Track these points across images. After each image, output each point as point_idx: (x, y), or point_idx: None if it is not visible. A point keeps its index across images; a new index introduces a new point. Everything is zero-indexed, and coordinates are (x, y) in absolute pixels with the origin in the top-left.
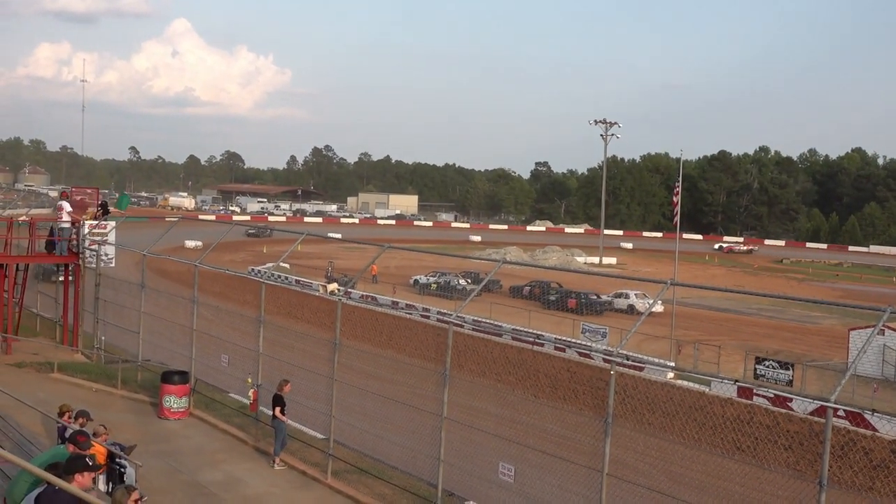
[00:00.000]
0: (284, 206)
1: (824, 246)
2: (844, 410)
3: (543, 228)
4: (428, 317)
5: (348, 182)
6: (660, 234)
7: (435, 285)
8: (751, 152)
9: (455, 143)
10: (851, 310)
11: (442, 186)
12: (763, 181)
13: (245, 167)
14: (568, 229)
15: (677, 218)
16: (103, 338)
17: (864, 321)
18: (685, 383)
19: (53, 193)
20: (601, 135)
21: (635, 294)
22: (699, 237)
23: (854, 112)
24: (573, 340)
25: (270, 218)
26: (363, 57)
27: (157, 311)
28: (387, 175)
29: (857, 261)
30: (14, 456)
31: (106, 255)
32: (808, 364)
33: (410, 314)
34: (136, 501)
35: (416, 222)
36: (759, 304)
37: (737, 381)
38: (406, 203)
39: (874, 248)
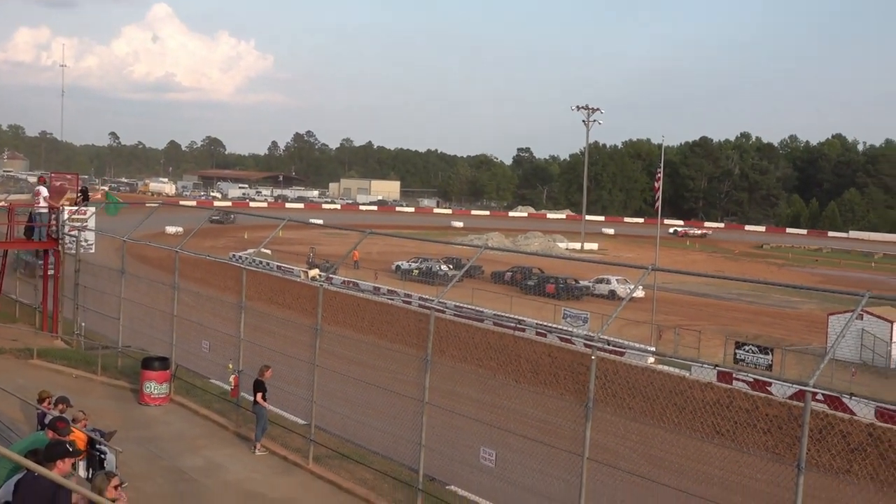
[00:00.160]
0: (266, 191)
1: (804, 231)
2: (823, 394)
3: (525, 214)
4: (410, 302)
5: (330, 168)
6: (641, 220)
7: (417, 271)
8: (732, 138)
9: (437, 129)
10: (830, 295)
11: (424, 172)
12: (744, 167)
13: (226, 153)
14: (550, 215)
15: (658, 203)
16: (83, 324)
17: (842, 306)
18: (666, 368)
19: (32, 179)
20: (583, 121)
21: (616, 279)
22: (680, 222)
23: (835, 99)
24: (554, 326)
25: (252, 204)
26: (345, 42)
27: (138, 297)
28: (369, 161)
29: (836, 246)
30: None
31: (86, 240)
32: (787, 349)
33: (392, 300)
34: (116, 487)
35: (398, 208)
36: (739, 290)
37: (717, 365)
38: (388, 189)
39: (853, 234)
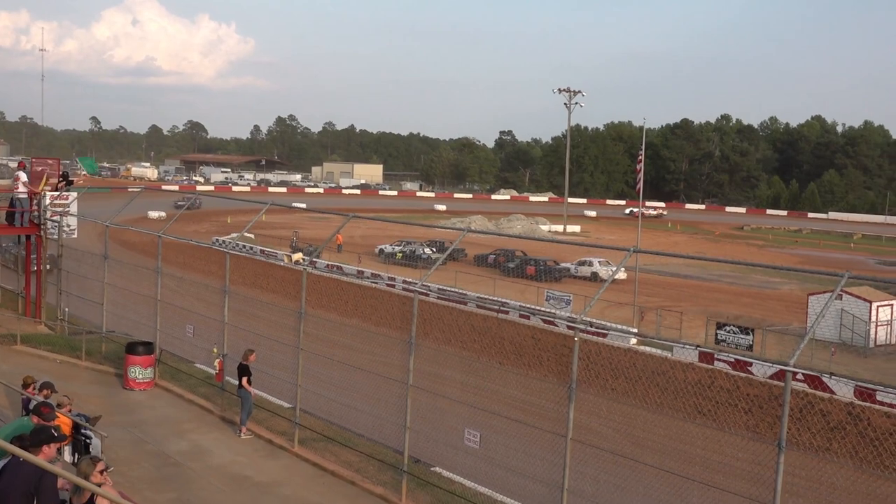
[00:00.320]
0: (248, 175)
1: (784, 213)
2: (803, 374)
3: (508, 197)
4: (393, 286)
5: (312, 152)
6: (623, 202)
7: (400, 254)
8: (713, 120)
9: (419, 113)
10: (810, 275)
11: (406, 156)
12: (724, 149)
13: (208, 137)
14: (532, 198)
15: (640, 185)
16: (66, 309)
17: (822, 286)
18: (648, 349)
19: (13, 164)
20: (565, 103)
21: (599, 261)
22: (661, 204)
23: (814, 81)
24: (538, 308)
25: (235, 188)
26: (327, 26)
27: (121, 282)
28: (351, 144)
29: (816, 227)
30: None
31: (68, 226)
32: (767, 329)
33: (376, 283)
34: (101, 472)
35: (380, 192)
36: (721, 271)
37: (698, 346)
38: (371, 172)
39: (833, 215)
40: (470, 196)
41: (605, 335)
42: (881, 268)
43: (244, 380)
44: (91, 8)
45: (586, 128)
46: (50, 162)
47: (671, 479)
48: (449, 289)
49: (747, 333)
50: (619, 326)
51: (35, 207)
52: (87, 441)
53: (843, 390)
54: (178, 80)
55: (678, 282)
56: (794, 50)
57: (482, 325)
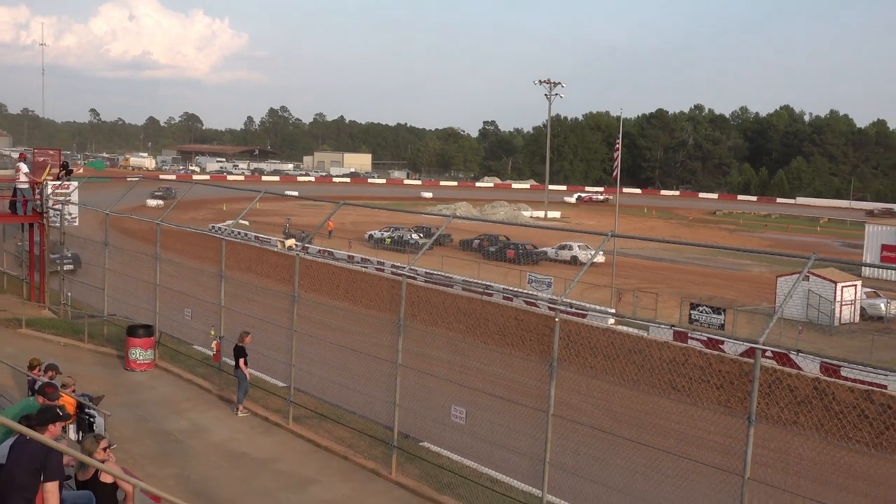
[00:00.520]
0: (242, 165)
1: (754, 198)
2: (772, 351)
3: (491, 184)
4: (382, 270)
5: (304, 142)
6: (601, 189)
7: (389, 240)
8: (686, 110)
9: (407, 104)
10: (779, 258)
11: (394, 145)
12: (698, 138)
13: (203, 128)
14: (515, 185)
15: (617, 173)
16: (69, 294)
17: (790, 268)
18: (625, 328)
19: (15, 155)
20: (545, 94)
21: (578, 245)
22: (638, 191)
23: (783, 71)
24: (520, 290)
25: (229, 177)
26: (317, 21)
27: (121, 268)
28: (341, 134)
29: (784, 212)
30: None
31: (69, 214)
32: (738, 309)
33: (366, 268)
34: (104, 449)
35: (370, 180)
36: (694, 254)
37: (673, 325)
38: (360, 161)
39: (800, 200)
40: (455, 184)
41: (584, 316)
42: (846, 250)
43: (241, 361)
44: (88, 3)
45: (566, 118)
46: (51, 153)
47: (647, 452)
48: (436, 272)
49: (719, 313)
50: (598, 307)
51: (38, 196)
52: (91, 420)
53: (810, 366)
54: (174, 74)
55: (654, 265)
56: (763, 42)
57: (467, 307)
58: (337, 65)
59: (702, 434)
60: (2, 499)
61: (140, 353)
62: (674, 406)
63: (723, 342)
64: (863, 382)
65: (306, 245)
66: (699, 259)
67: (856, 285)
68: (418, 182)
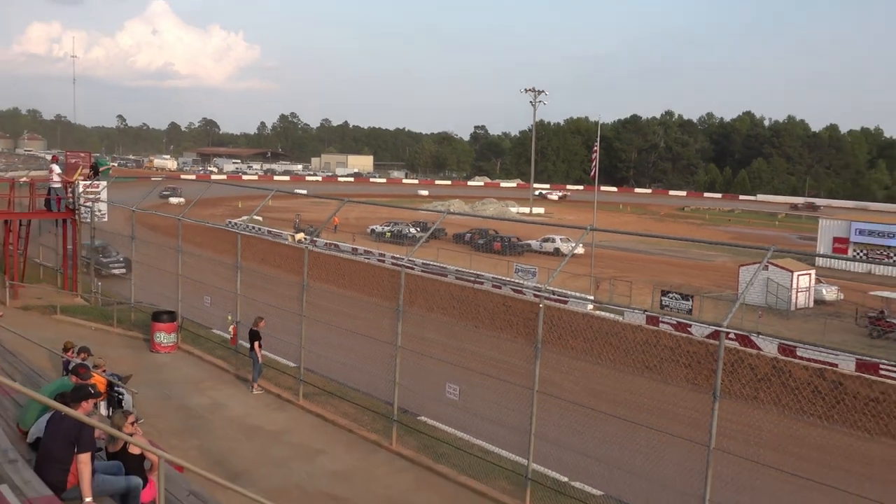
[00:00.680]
0: (256, 166)
1: (719, 195)
2: (735, 333)
3: (482, 183)
4: (383, 261)
5: (311, 145)
6: (581, 187)
7: (389, 233)
8: (658, 116)
9: (405, 110)
10: (741, 249)
11: (394, 148)
12: (668, 141)
13: (220, 132)
14: (503, 184)
15: (595, 172)
16: (100, 283)
17: (751, 258)
18: (602, 313)
19: (49, 157)
20: (531, 101)
21: (560, 238)
22: (614, 189)
23: (745, 80)
24: (508, 279)
25: (244, 177)
26: (323, 35)
27: (147, 260)
28: (345, 138)
29: (746, 208)
30: (24, 387)
31: (99, 211)
32: (704, 295)
33: (368, 259)
34: (132, 424)
35: (371, 179)
36: (665, 246)
37: (645, 310)
38: (363, 162)
39: (761, 197)
40: (449, 182)
41: (566, 302)
42: (801, 242)
43: (255, 343)
44: (115, 19)
45: (549, 122)
46: (82, 155)
47: (622, 425)
48: (431, 263)
49: (687, 299)
50: (578, 294)
51: (70, 195)
52: (120, 397)
53: (769, 347)
54: (194, 83)
55: (629, 256)
56: (728, 53)
57: (460, 295)
58: (342, 74)
59: (672, 408)
60: (40, 468)
61: (164, 337)
62: (646, 383)
63: (690, 325)
64: (816, 361)
65: (314, 238)
66: (669, 251)
67: (810, 274)
68: (416, 181)
